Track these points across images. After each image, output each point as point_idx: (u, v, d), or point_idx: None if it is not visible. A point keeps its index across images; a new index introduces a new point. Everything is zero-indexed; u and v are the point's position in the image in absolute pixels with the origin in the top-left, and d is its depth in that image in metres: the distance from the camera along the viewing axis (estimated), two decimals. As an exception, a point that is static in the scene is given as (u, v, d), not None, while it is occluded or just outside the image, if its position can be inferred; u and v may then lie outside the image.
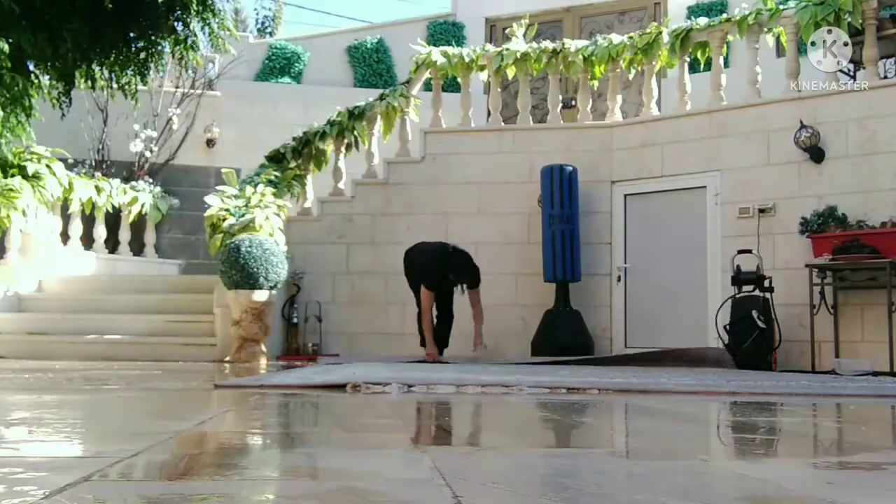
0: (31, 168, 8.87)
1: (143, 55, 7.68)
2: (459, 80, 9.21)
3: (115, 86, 7.90)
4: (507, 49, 8.79)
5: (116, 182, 10.50)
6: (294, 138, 9.18)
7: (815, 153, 7.12)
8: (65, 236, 9.80)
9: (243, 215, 7.58)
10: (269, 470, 2.00)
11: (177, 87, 11.70)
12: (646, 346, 8.01)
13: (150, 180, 11.22)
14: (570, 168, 8.08)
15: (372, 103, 9.02)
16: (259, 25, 19.64)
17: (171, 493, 1.59)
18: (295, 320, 8.32)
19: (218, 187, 8.40)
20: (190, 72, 10.57)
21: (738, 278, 7.08)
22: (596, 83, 8.92)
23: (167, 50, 7.83)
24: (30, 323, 8.28)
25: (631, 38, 8.39)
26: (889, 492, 1.77)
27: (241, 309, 7.19)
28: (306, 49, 13.46)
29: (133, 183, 10.89)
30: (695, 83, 8.27)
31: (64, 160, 9.50)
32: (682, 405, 3.82)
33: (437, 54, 8.97)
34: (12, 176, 8.70)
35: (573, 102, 9.72)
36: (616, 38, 8.47)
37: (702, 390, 4.46)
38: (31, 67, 7.35)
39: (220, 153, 11.79)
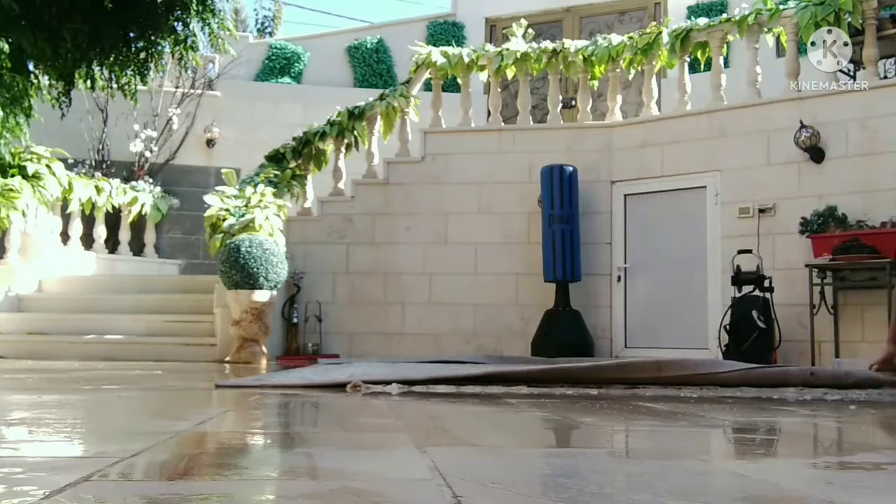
0: (30, 168, 8.88)
1: (142, 55, 7.69)
2: (459, 80, 9.20)
3: (115, 86, 7.91)
4: (507, 49, 8.78)
5: (116, 182, 10.51)
6: (294, 138, 9.19)
7: (815, 153, 7.12)
8: (65, 236, 9.80)
9: (243, 215, 7.58)
10: (269, 470, 2.00)
11: (177, 87, 11.71)
12: (646, 346, 8.01)
13: (150, 180, 11.23)
14: (570, 168, 8.07)
15: (372, 103, 9.02)
16: (259, 25, 19.67)
17: (171, 493, 1.59)
18: (295, 320, 8.32)
19: (218, 187, 8.40)
20: (190, 72, 10.58)
21: (738, 278, 7.08)
22: (596, 83, 8.91)
23: (167, 50, 7.84)
24: (30, 323, 8.28)
25: (631, 38, 8.39)
26: (889, 492, 1.77)
27: (242, 309, 7.20)
28: (306, 49, 13.47)
29: (133, 183, 10.90)
30: (695, 83, 8.26)
31: (64, 160, 9.51)
32: (682, 405, 3.81)
33: (436, 54, 8.97)
34: (12, 176, 8.71)
35: (573, 102, 9.72)
36: (616, 38, 8.47)
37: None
38: (31, 67, 7.36)
39: (220, 153, 11.80)
